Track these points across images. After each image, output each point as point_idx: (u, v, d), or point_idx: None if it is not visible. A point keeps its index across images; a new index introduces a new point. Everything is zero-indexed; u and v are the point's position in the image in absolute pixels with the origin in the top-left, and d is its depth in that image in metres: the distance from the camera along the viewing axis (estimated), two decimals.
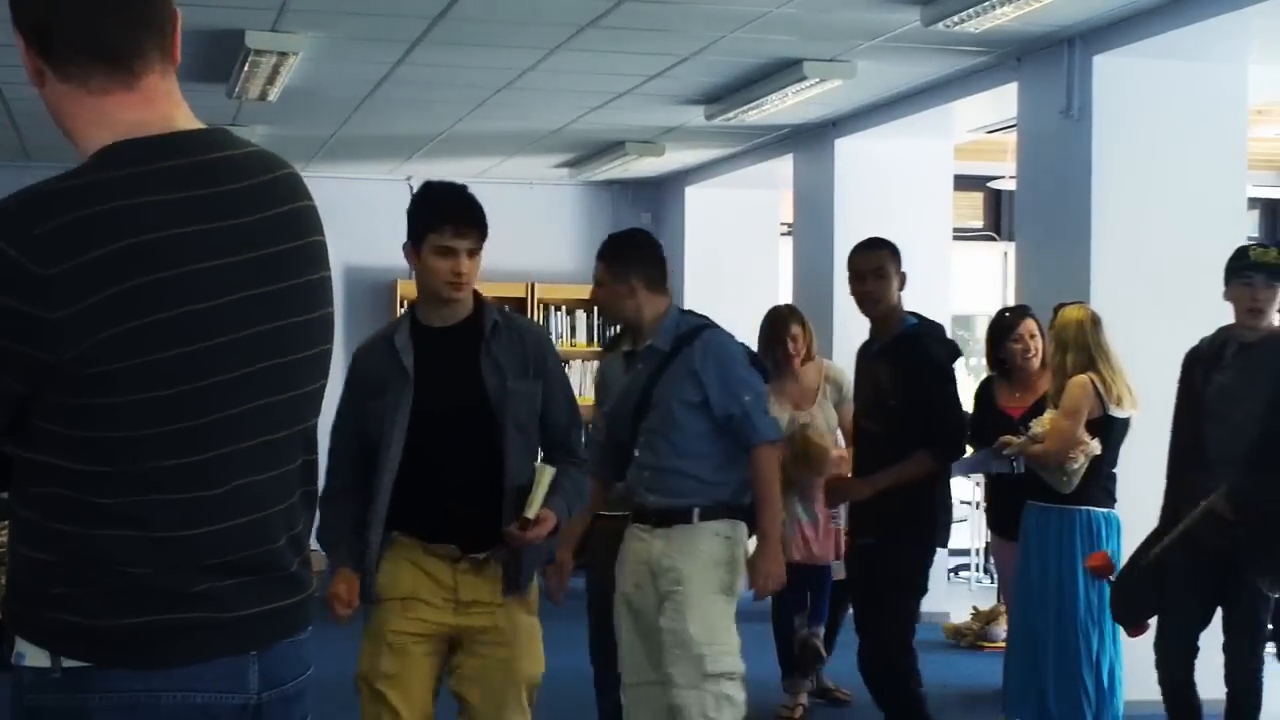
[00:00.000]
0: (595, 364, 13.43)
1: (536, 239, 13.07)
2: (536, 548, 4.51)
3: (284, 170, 2.34)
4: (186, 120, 2.27)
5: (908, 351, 5.96)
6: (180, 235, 2.13)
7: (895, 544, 5.91)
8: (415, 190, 4.55)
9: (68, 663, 2.17)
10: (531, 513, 4.36)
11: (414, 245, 4.41)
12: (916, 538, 6.00)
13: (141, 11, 2.21)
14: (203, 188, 2.19)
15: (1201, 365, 5.87)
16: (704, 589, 5.19)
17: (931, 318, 6.14)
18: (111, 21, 2.18)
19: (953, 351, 6.16)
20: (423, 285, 4.47)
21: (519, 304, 13.03)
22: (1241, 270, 5.76)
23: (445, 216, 4.37)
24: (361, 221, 12.45)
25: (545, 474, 4.43)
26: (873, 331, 6.17)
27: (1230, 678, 5.89)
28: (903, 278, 6.04)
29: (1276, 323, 5.82)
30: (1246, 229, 8.40)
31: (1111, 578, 6.20)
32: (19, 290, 2.04)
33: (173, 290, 2.12)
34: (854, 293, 6.10)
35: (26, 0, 2.19)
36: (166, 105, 2.25)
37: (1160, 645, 6.02)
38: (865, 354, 6.20)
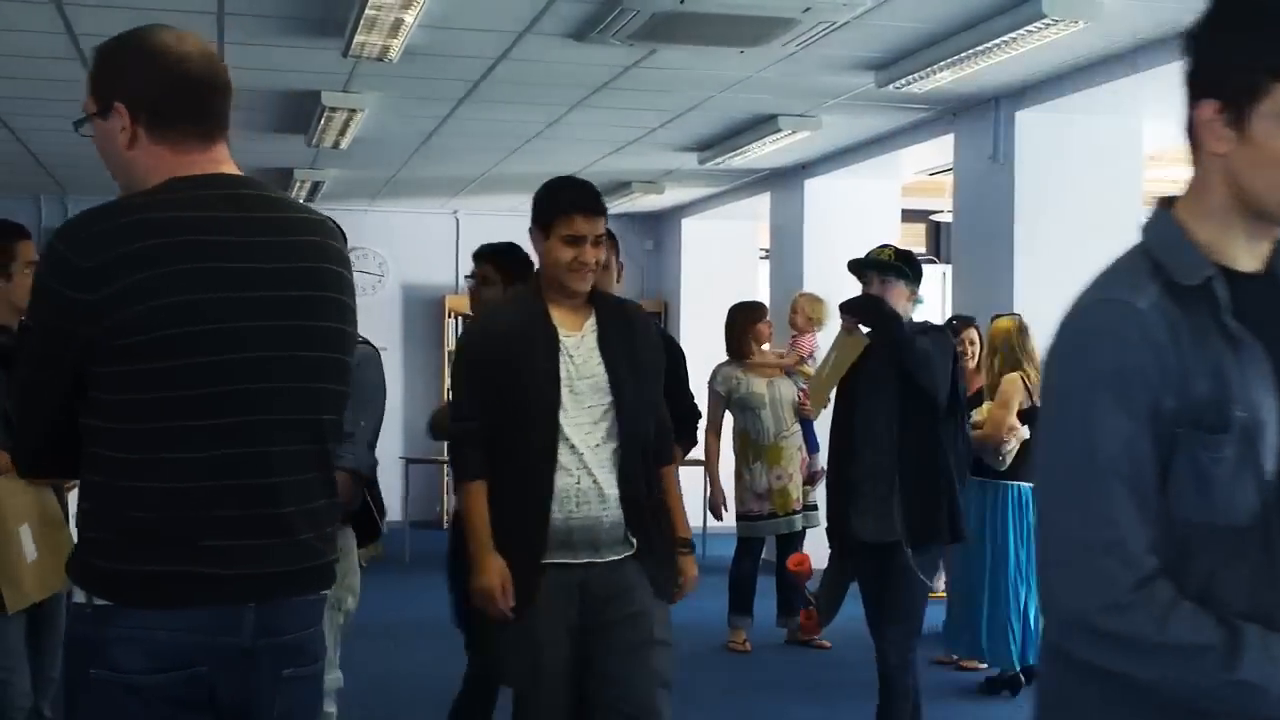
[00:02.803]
0: None
1: None
2: None
3: (308, 213, 2.38)
4: (231, 170, 2.32)
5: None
6: (199, 240, 2.17)
7: None
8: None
9: (98, 600, 2.18)
10: None
11: (1237, 108, 1.67)
12: None
13: (225, 94, 2.31)
14: (227, 210, 2.22)
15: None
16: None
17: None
18: (209, 102, 2.29)
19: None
20: (1252, 181, 1.71)
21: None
22: (862, 270, 4.92)
23: None
24: (416, 247, 12.50)
25: None
26: None
27: (882, 664, 4.88)
28: (621, 267, 5.04)
29: (913, 317, 4.91)
30: None
31: (810, 582, 5.41)
32: (69, 280, 2.13)
33: (187, 279, 2.15)
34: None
35: (147, 85, 2.25)
36: (219, 160, 2.30)
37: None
38: None
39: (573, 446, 3.54)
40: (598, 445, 3.58)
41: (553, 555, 3.54)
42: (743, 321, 7.69)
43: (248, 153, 9.25)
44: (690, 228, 12.80)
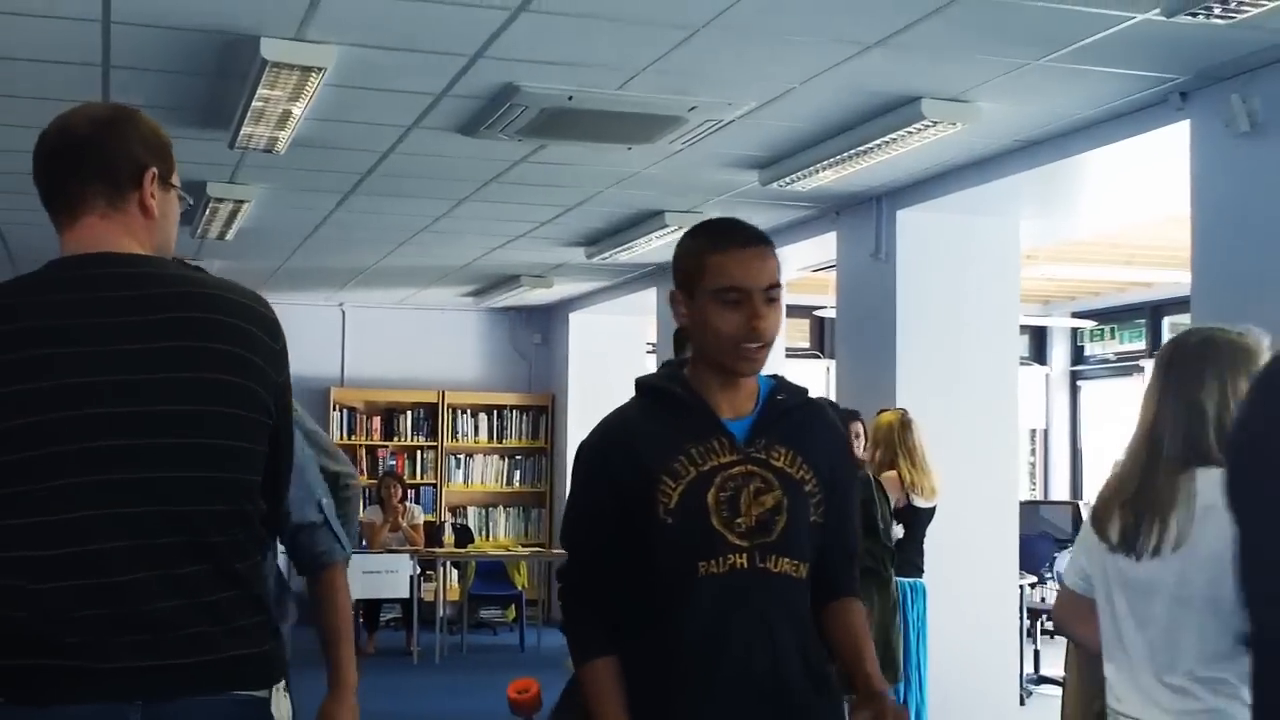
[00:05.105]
0: (495, 459, 13.37)
1: (446, 354, 13.04)
2: None
3: (200, 288, 2.22)
4: (100, 247, 2.19)
5: None
6: (25, 329, 2.09)
7: None
8: None
9: None
10: None
11: None
12: None
13: (77, 159, 2.20)
14: (70, 293, 2.13)
15: None
16: None
17: None
18: (57, 178, 2.22)
19: None
20: None
21: (431, 408, 12.95)
22: None
23: None
24: (301, 339, 12.28)
25: None
26: None
27: None
28: None
29: None
30: (1018, 350, 8.56)
31: (535, 716, 4.50)
32: None
33: (18, 369, 2.06)
34: None
35: (35, 173, 2.25)
36: (90, 236, 2.19)
37: None
38: None
39: None
40: None
41: None
42: None
43: None
44: (578, 321, 12.83)
